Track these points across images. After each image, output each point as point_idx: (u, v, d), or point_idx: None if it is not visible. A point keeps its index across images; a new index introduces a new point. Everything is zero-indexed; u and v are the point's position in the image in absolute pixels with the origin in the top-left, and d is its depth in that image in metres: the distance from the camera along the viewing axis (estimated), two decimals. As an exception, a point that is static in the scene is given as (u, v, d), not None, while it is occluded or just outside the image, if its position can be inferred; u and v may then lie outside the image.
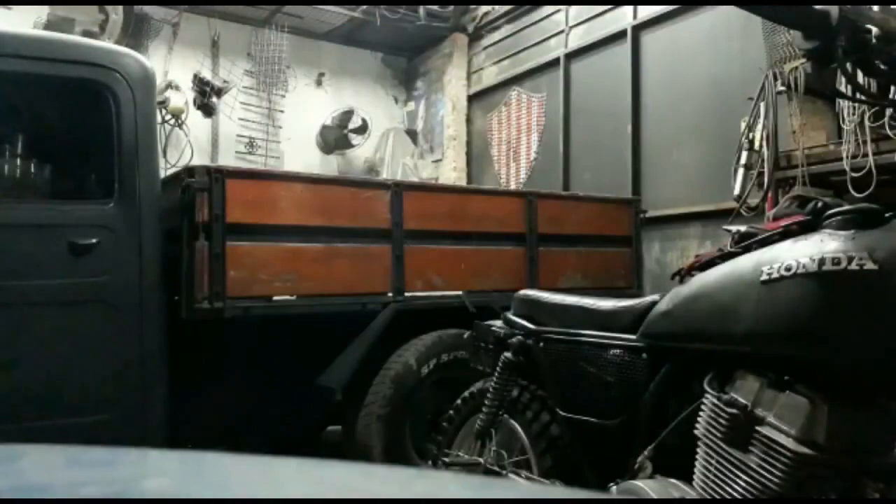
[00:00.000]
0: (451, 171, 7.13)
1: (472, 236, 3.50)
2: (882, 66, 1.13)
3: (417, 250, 3.30)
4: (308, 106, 7.11)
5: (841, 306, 1.06)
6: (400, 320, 3.21)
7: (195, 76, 6.22)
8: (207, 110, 6.27)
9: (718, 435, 1.17)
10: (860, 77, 1.22)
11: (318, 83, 7.31)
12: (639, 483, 1.30)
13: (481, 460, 1.95)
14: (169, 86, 6.06)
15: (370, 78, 7.64)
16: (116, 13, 5.84)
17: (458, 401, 2.21)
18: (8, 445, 0.40)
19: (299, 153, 6.97)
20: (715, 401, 1.19)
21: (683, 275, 1.48)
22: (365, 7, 6.62)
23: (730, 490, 1.13)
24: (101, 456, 0.40)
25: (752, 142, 3.88)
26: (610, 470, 1.46)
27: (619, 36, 5.48)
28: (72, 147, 3.02)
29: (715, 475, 1.17)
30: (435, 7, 6.90)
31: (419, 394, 3.15)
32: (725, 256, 1.31)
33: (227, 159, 6.45)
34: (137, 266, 2.83)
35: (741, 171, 3.92)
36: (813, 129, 3.65)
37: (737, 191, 3.94)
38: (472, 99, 7.28)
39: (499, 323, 2.07)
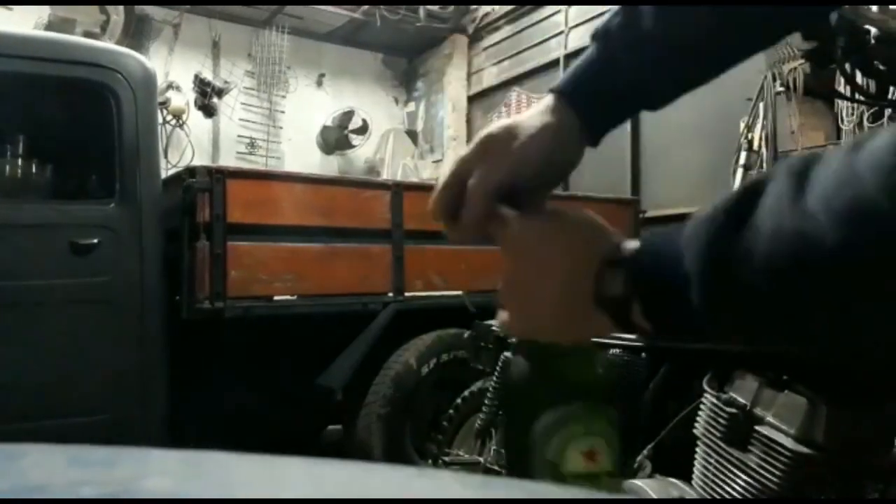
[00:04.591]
0: (452, 172, 7.13)
1: (472, 236, 3.50)
2: (881, 67, 1.13)
3: (417, 250, 3.30)
4: (308, 106, 7.12)
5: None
6: (400, 320, 3.21)
7: (196, 77, 6.23)
8: (208, 111, 6.27)
9: (717, 434, 1.17)
10: (859, 77, 1.22)
11: (319, 84, 7.32)
12: (638, 482, 1.30)
13: (481, 460, 1.95)
14: (170, 86, 6.07)
15: (370, 79, 7.64)
16: (117, 14, 5.84)
17: (458, 401, 2.21)
18: (8, 445, 0.40)
19: (300, 153, 6.98)
20: (714, 400, 1.19)
21: (683, 275, 1.48)
22: (365, 8, 6.63)
23: (729, 489, 1.13)
24: (101, 456, 0.40)
25: (751, 142, 3.89)
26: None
27: (619, 36, 5.48)
28: (73, 147, 3.02)
29: (714, 474, 1.17)
30: (435, 7, 6.90)
31: (419, 394, 3.16)
32: (725, 256, 1.31)
33: (228, 160, 6.46)
34: (138, 266, 2.83)
35: (740, 171, 3.93)
36: (812, 129, 3.65)
37: (736, 191, 3.94)
38: (473, 100, 7.28)
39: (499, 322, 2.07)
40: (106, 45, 3.68)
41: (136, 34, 6.09)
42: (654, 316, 0.51)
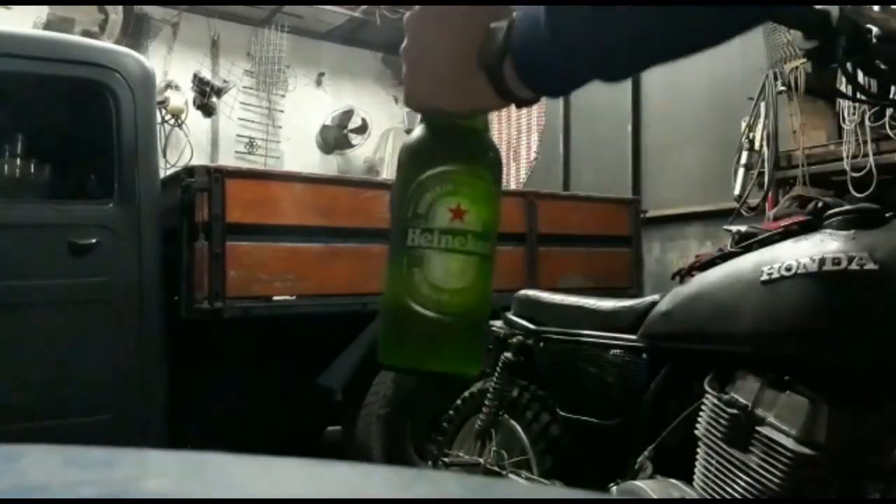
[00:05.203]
0: (451, 171, 7.11)
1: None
2: (882, 66, 1.13)
3: (417, 250, 3.30)
4: (308, 106, 7.11)
5: (841, 306, 1.06)
6: (400, 320, 3.21)
7: (195, 76, 6.21)
8: (207, 110, 6.26)
9: (719, 435, 1.17)
10: (860, 77, 1.22)
11: (318, 83, 7.31)
12: (639, 483, 1.30)
13: (481, 460, 1.94)
14: (169, 86, 6.05)
15: (370, 78, 7.63)
16: (116, 13, 5.83)
17: (458, 401, 2.21)
18: (8, 445, 0.40)
19: (299, 153, 6.97)
20: (715, 401, 1.19)
21: (684, 275, 1.48)
22: (365, 7, 6.62)
23: (730, 490, 1.13)
24: (100, 456, 0.40)
25: (752, 142, 3.88)
26: (610, 470, 1.46)
27: (619, 36, 5.47)
28: (72, 147, 3.02)
29: (715, 475, 1.17)
30: (435, 7, 6.89)
31: (419, 394, 3.15)
32: (726, 256, 1.31)
33: (227, 159, 6.45)
34: (137, 266, 2.83)
35: (741, 171, 3.93)
36: (813, 128, 3.65)
37: (737, 191, 3.94)
38: (472, 99, 7.27)
39: (499, 323, 2.07)
40: (104, 44, 3.68)
41: (135, 33, 6.08)
42: (522, 68, 0.58)
